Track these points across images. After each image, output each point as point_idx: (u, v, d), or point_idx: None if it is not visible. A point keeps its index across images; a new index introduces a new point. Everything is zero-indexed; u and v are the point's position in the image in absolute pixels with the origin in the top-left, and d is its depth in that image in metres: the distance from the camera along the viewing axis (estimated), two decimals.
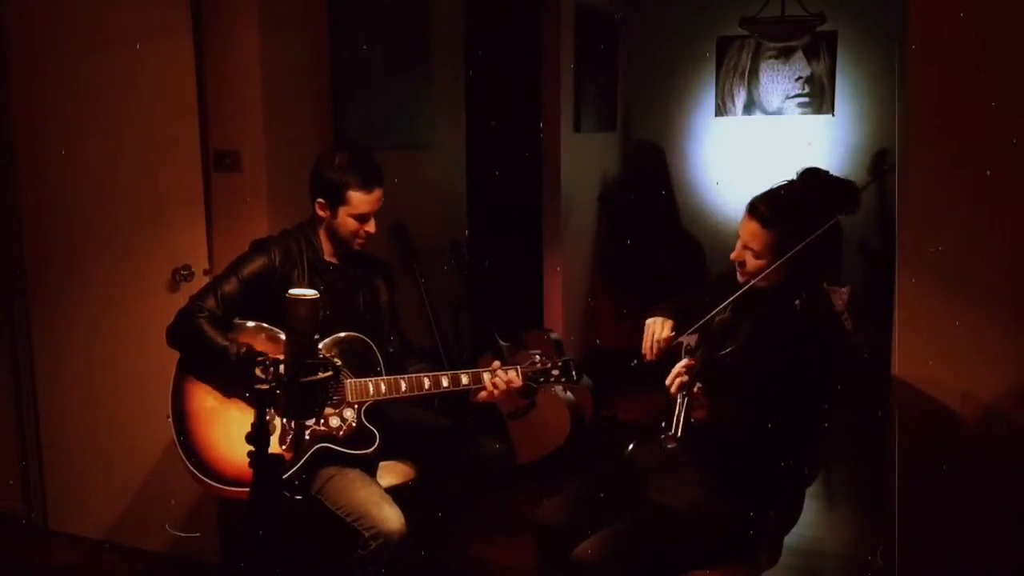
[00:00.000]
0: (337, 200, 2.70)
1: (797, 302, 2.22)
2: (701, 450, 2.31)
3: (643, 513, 2.33)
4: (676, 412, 2.04)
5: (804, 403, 2.23)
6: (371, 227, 2.74)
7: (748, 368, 2.19)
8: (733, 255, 2.33)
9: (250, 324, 2.71)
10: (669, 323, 2.47)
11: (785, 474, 2.30)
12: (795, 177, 2.32)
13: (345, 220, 2.71)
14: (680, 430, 2.01)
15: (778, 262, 2.21)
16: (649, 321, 2.53)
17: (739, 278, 2.33)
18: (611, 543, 2.24)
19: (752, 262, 2.28)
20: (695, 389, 2.09)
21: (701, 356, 2.17)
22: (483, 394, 2.66)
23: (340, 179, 2.68)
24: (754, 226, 2.26)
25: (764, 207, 2.25)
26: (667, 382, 2.19)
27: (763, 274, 2.25)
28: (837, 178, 2.30)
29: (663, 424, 2.03)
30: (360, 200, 2.69)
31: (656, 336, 2.45)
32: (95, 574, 3.37)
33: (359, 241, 2.76)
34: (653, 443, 2.06)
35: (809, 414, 2.28)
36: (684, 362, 2.20)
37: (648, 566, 2.26)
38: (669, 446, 2.01)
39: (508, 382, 2.63)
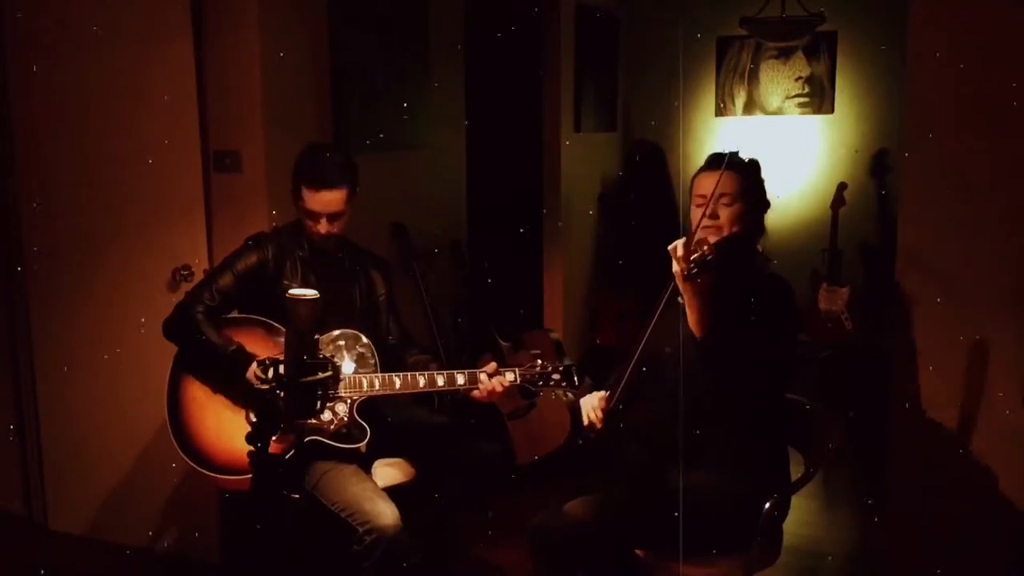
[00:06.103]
0: (295, 193, 2.74)
1: (760, 248, 2.37)
2: (693, 431, 2.35)
3: (640, 484, 2.39)
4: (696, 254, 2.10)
5: (778, 348, 2.29)
6: (322, 228, 2.71)
7: (728, 287, 2.22)
8: (708, 217, 2.33)
9: (243, 318, 2.74)
10: (599, 394, 2.55)
11: (768, 449, 2.38)
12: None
13: (302, 213, 2.73)
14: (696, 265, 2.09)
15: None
16: (582, 401, 2.60)
17: (711, 239, 2.30)
18: (604, 505, 2.30)
19: (725, 212, 2.34)
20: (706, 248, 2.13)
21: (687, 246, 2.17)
22: (476, 394, 2.65)
23: (295, 171, 2.73)
24: (726, 174, 2.32)
25: (726, 156, 2.36)
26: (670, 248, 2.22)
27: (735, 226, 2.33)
28: None
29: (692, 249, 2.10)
30: (308, 197, 2.69)
31: (592, 408, 2.54)
32: (95, 574, 3.37)
33: (318, 236, 2.74)
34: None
35: (783, 368, 2.36)
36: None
37: (636, 535, 2.32)
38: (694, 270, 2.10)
39: (502, 385, 2.63)
